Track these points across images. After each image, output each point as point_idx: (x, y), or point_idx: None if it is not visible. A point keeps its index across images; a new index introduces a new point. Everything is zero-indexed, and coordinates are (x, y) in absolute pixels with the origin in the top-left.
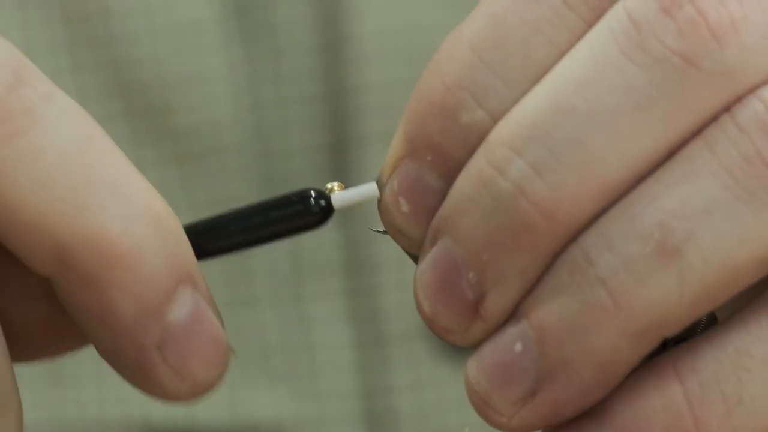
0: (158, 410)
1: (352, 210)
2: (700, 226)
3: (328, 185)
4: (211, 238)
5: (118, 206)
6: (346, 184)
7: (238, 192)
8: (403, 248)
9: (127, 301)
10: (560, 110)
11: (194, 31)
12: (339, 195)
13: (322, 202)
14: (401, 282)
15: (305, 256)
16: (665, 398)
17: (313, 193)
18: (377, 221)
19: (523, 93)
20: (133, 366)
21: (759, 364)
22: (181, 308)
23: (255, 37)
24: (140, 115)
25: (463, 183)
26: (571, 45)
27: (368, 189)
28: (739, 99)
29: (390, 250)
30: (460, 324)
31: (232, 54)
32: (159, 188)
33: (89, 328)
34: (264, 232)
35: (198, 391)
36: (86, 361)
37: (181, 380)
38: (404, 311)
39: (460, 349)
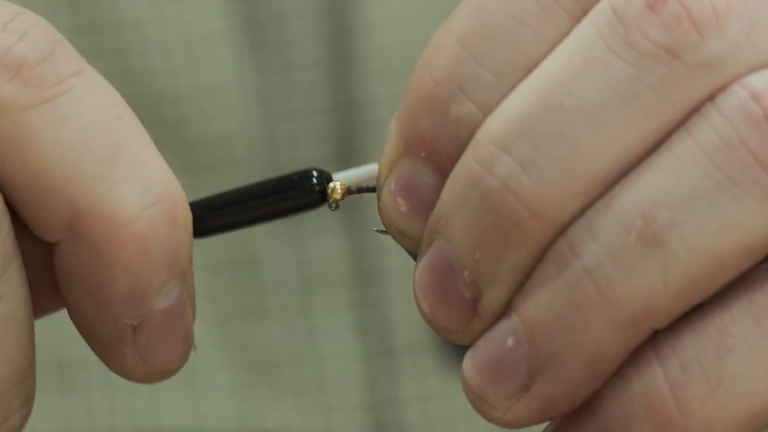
0: (167, 421)
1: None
2: (683, 214)
3: (331, 184)
4: (214, 215)
5: (139, 186)
6: (354, 187)
7: None
8: (405, 248)
9: (122, 280)
10: (546, 106)
11: (205, 44)
12: (340, 175)
13: (323, 182)
14: (408, 293)
15: (313, 267)
16: (646, 383)
17: (314, 173)
18: (380, 223)
19: (512, 86)
20: (104, 340)
21: (740, 343)
22: (167, 299)
23: (266, 50)
24: (151, 127)
25: (453, 182)
26: (558, 38)
27: (369, 169)
28: (722, 89)
29: (397, 261)
30: (460, 323)
31: (243, 67)
32: None
33: (75, 296)
34: (265, 210)
35: (154, 377)
36: (95, 370)
37: (143, 364)
38: (411, 322)
39: None
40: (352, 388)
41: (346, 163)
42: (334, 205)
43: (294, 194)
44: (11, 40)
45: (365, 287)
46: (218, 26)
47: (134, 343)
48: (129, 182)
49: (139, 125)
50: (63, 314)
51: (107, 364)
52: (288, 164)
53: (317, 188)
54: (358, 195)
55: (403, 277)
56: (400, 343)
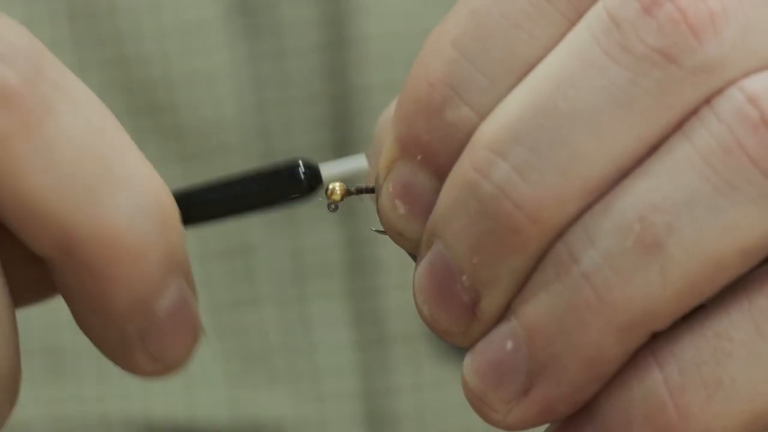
0: (159, 408)
1: (346, 180)
2: (681, 218)
3: (330, 186)
4: (200, 205)
5: (127, 200)
6: (353, 187)
7: None
8: (405, 250)
9: (122, 293)
10: (542, 111)
11: (199, 30)
12: (327, 166)
13: (310, 172)
14: (403, 283)
15: (307, 256)
16: (645, 387)
17: (301, 163)
18: (378, 221)
19: (507, 88)
20: (113, 346)
21: (739, 347)
22: (168, 299)
23: (260, 37)
24: (144, 113)
25: (450, 187)
26: (553, 41)
27: (357, 161)
28: (719, 92)
29: (392, 251)
30: (459, 326)
31: (237, 53)
32: None
33: (77, 308)
34: (250, 201)
35: (168, 371)
36: (87, 357)
37: (155, 363)
38: (406, 312)
39: (462, 351)
40: (346, 378)
41: (342, 151)
42: (333, 206)
43: (280, 185)
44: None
45: (359, 277)
46: (212, 12)
47: (143, 346)
48: (117, 197)
49: (121, 133)
50: (55, 301)
51: (119, 365)
52: (282, 152)
53: (304, 179)
54: (357, 196)
55: (398, 268)
56: (394, 333)
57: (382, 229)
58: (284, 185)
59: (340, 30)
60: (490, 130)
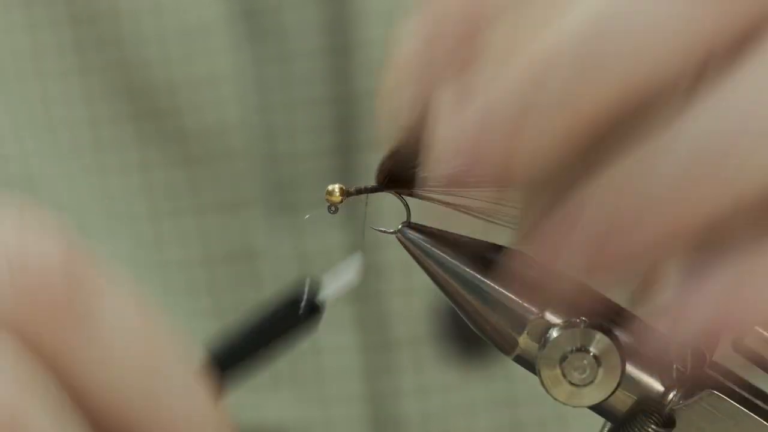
0: None
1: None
2: (755, 141)
3: (329, 187)
4: (223, 369)
5: (184, 395)
6: (353, 188)
7: (245, 194)
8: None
9: None
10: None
11: (203, 34)
12: (325, 285)
13: (311, 303)
14: (407, 287)
15: (312, 261)
16: None
17: (304, 298)
18: (380, 222)
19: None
20: None
21: None
22: None
23: (263, 40)
24: (148, 117)
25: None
26: None
27: (350, 268)
28: None
29: (396, 255)
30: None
31: (241, 57)
32: (166, 191)
33: None
34: (259, 345)
35: None
36: None
37: None
38: (410, 316)
39: (466, 355)
40: (351, 381)
41: (345, 155)
42: (333, 208)
43: (282, 323)
44: (40, 277)
45: (364, 281)
46: (215, 16)
47: None
48: (175, 393)
49: (161, 322)
50: None
51: None
52: (285, 155)
53: (302, 313)
54: (358, 196)
55: (402, 272)
56: (398, 337)
57: (383, 228)
58: (286, 323)
59: (343, 34)
60: (548, 37)
